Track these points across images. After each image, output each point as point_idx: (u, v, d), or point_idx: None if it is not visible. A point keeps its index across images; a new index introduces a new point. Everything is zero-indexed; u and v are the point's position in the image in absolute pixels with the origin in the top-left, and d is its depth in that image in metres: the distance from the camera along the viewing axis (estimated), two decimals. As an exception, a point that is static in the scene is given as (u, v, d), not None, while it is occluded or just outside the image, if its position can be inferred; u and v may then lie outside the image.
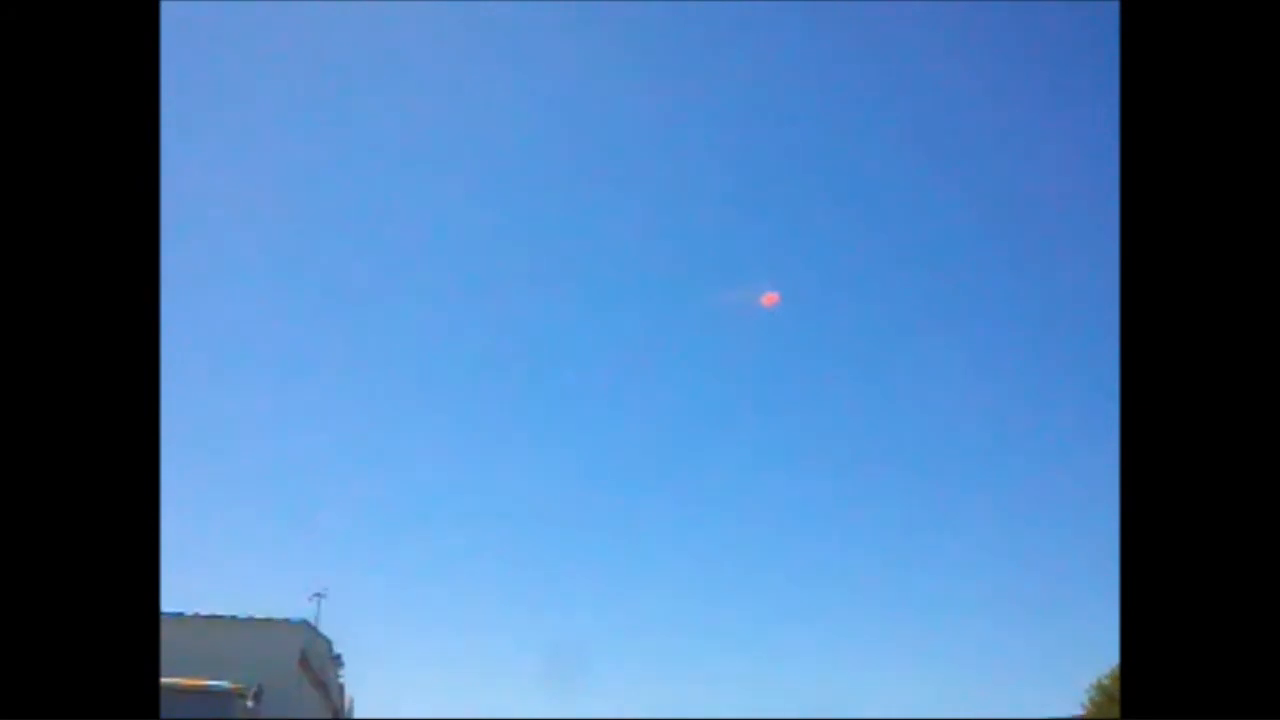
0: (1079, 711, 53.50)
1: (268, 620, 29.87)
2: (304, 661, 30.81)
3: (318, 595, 35.79)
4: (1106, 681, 51.60)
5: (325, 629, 35.32)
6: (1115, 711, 49.02)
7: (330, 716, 39.72)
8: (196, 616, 27.81)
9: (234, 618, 27.53)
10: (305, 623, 32.04)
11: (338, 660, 40.44)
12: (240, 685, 21.70)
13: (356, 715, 52.17)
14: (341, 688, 44.97)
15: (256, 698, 23.49)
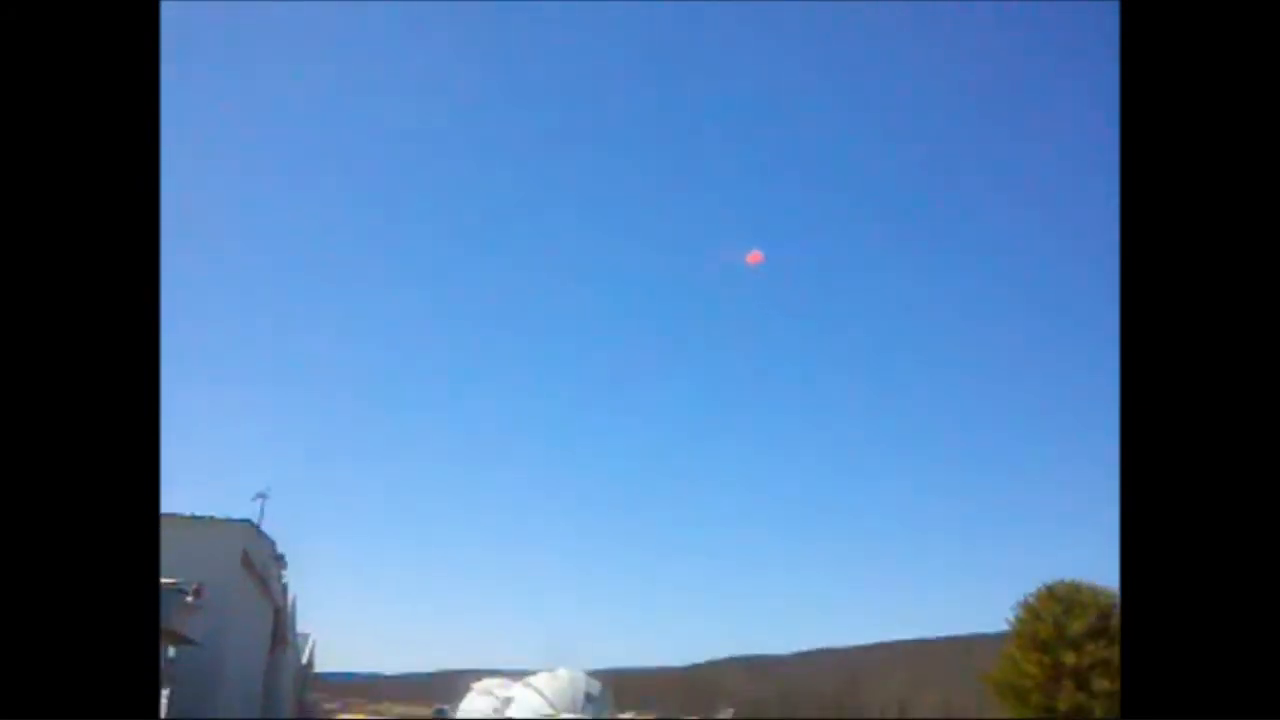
0: (1004, 628, 54.37)
1: (210, 519, 29.59)
2: (246, 560, 30.88)
3: (261, 496, 35.73)
4: (1032, 600, 52.46)
5: (269, 530, 35.43)
6: (1040, 628, 49.95)
7: (273, 613, 40.08)
8: (138, 514, 27.45)
9: (176, 515, 26.65)
10: (248, 522, 32.02)
11: (280, 560, 40.72)
12: (179, 581, 21.57)
13: (299, 614, 52.96)
14: (285, 587, 45.41)
15: (197, 594, 23.47)
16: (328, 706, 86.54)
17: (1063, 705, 49.54)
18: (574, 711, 76.64)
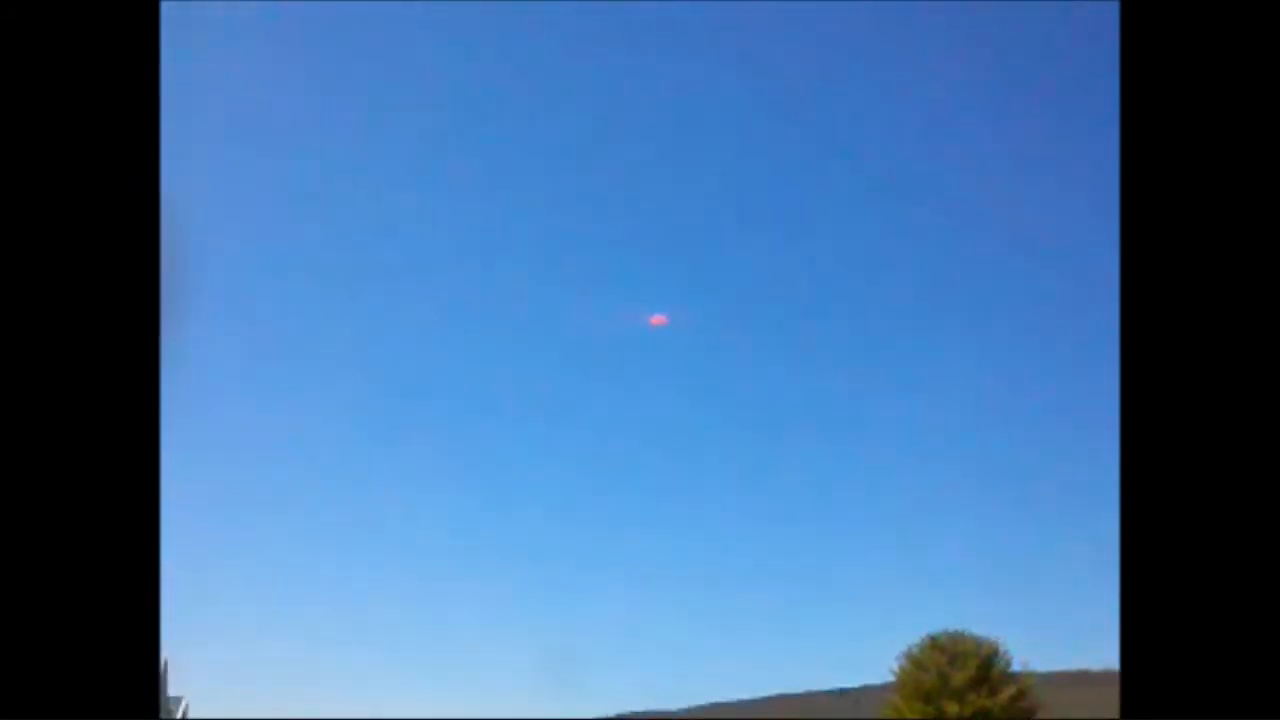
0: (890, 678, 55.54)
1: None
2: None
3: None
4: (916, 650, 53.82)
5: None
6: (923, 679, 51.19)
7: None
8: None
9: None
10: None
11: None
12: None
13: (170, 677, 51.23)
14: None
15: None
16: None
17: (945, 754, 50.54)
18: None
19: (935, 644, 54.18)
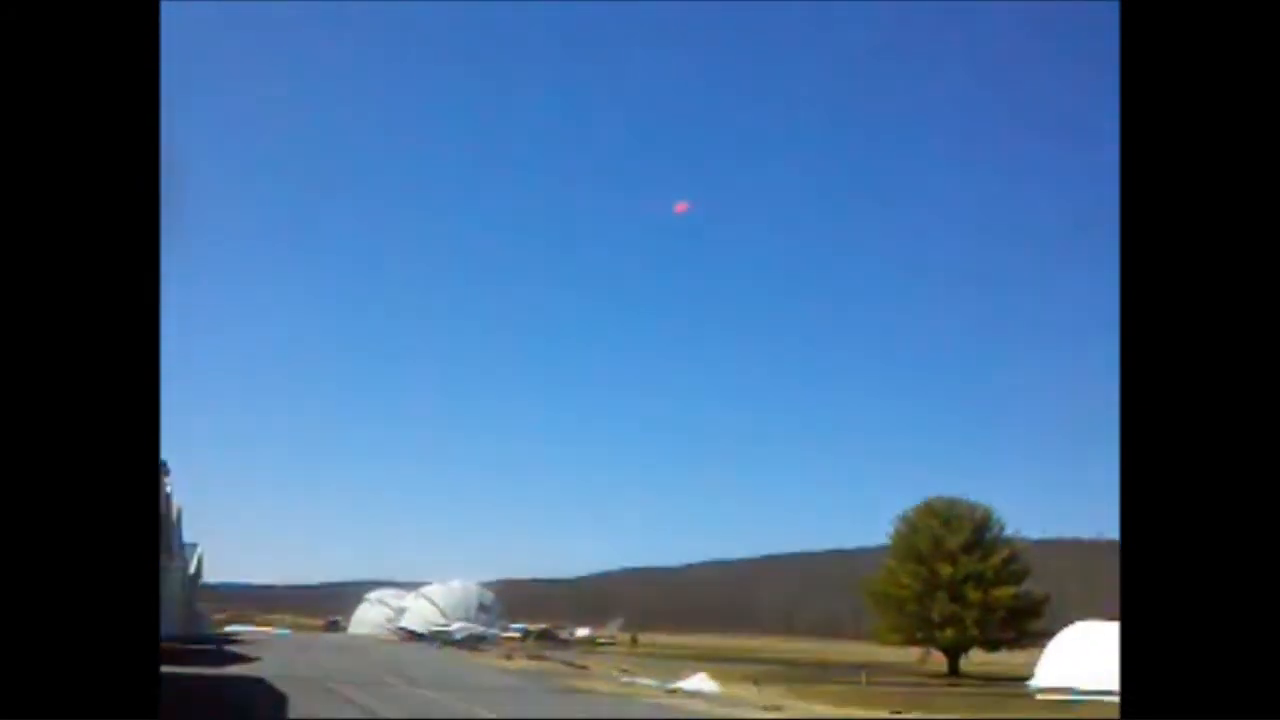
0: (885, 541, 57.29)
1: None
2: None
3: None
4: (911, 514, 55.29)
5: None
6: (918, 541, 52.77)
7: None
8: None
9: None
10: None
11: (163, 467, 40.81)
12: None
13: (185, 524, 53.41)
14: (168, 496, 45.58)
15: None
16: (217, 617, 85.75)
17: (937, 614, 52.04)
18: (467, 621, 77.44)
19: (930, 508, 55.12)
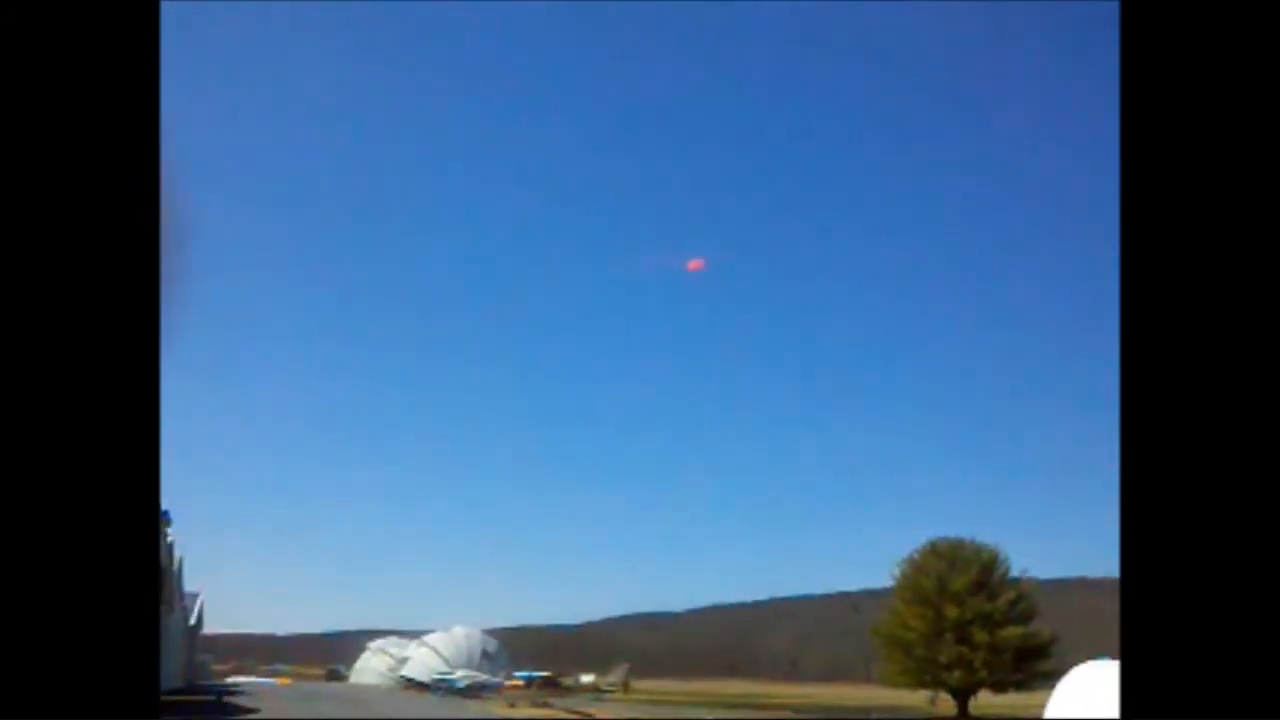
0: (890, 583, 56.81)
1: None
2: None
3: None
4: (917, 555, 54.87)
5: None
6: (924, 583, 52.35)
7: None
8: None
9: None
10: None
11: (165, 517, 40.64)
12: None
13: (186, 574, 53.05)
14: (170, 546, 45.25)
15: None
16: (218, 668, 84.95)
17: (944, 657, 51.64)
18: (470, 669, 76.63)
19: (935, 549, 54.87)
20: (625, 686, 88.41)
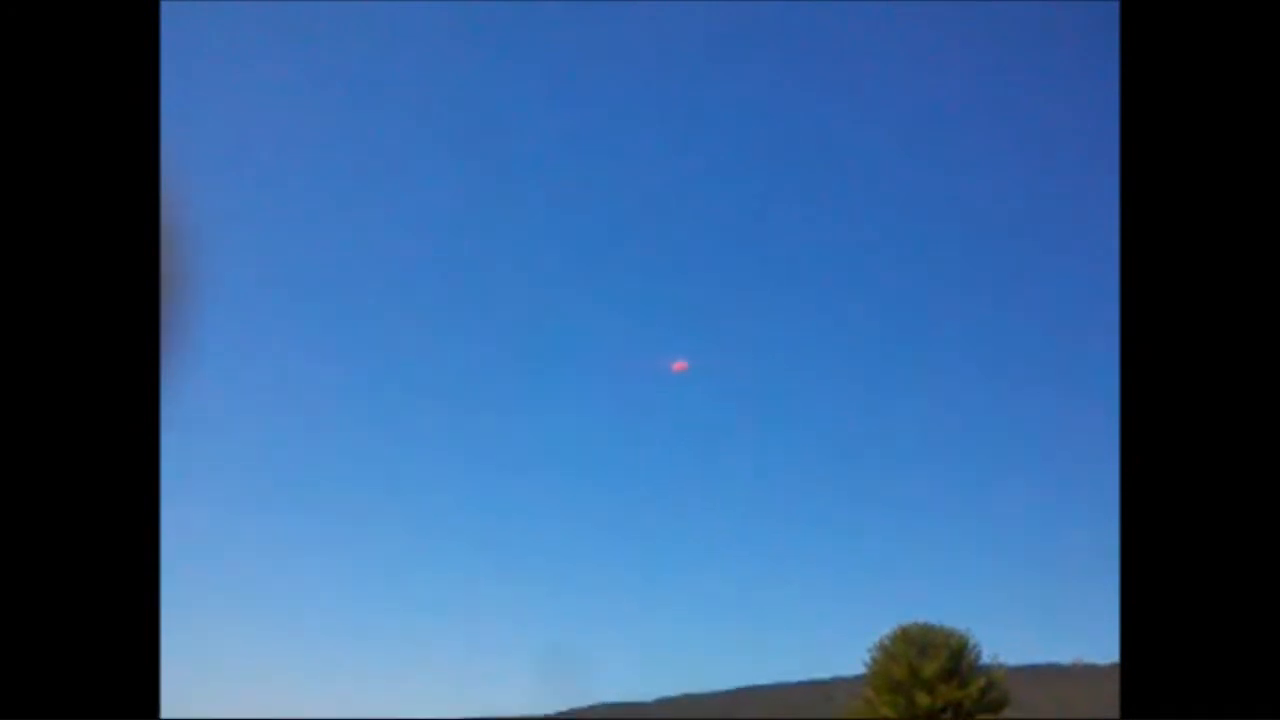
0: (861, 670, 56.31)
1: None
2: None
3: None
4: (887, 642, 54.49)
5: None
6: (894, 670, 51.92)
7: None
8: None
9: None
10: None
11: None
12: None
13: None
14: None
15: None
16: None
17: (916, 746, 51.09)
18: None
19: (905, 635, 54.68)
20: None
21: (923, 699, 50.38)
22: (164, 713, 5.32)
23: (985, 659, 53.63)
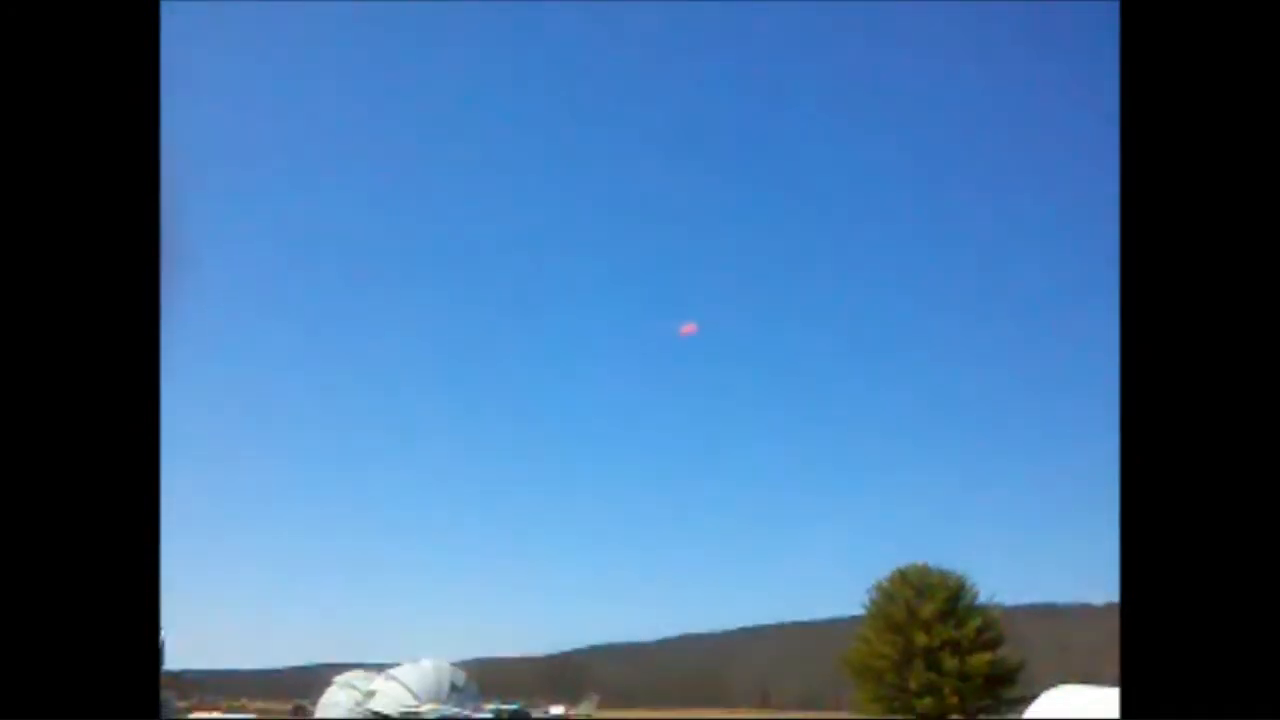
0: (860, 611, 57.01)
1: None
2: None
3: None
4: (886, 584, 55.11)
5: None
6: (893, 611, 52.54)
7: None
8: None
9: None
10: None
11: None
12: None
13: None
14: None
15: None
16: (181, 704, 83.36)
17: (914, 684, 51.72)
18: (439, 702, 75.75)
19: (904, 576, 55.06)
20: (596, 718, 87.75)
21: (920, 638, 50.88)
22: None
23: (982, 599, 54.15)
